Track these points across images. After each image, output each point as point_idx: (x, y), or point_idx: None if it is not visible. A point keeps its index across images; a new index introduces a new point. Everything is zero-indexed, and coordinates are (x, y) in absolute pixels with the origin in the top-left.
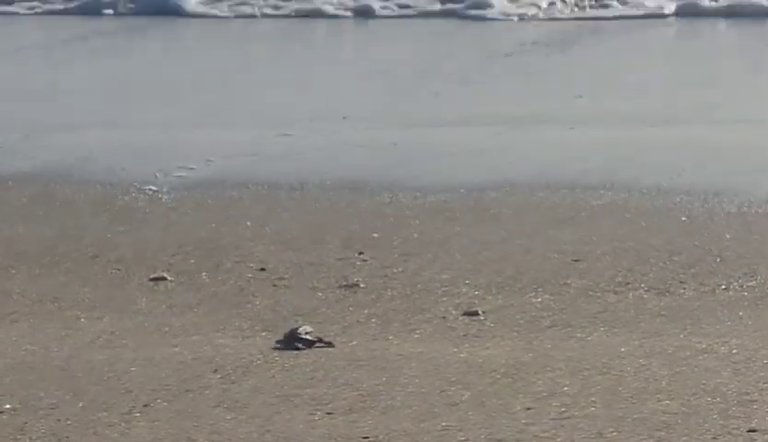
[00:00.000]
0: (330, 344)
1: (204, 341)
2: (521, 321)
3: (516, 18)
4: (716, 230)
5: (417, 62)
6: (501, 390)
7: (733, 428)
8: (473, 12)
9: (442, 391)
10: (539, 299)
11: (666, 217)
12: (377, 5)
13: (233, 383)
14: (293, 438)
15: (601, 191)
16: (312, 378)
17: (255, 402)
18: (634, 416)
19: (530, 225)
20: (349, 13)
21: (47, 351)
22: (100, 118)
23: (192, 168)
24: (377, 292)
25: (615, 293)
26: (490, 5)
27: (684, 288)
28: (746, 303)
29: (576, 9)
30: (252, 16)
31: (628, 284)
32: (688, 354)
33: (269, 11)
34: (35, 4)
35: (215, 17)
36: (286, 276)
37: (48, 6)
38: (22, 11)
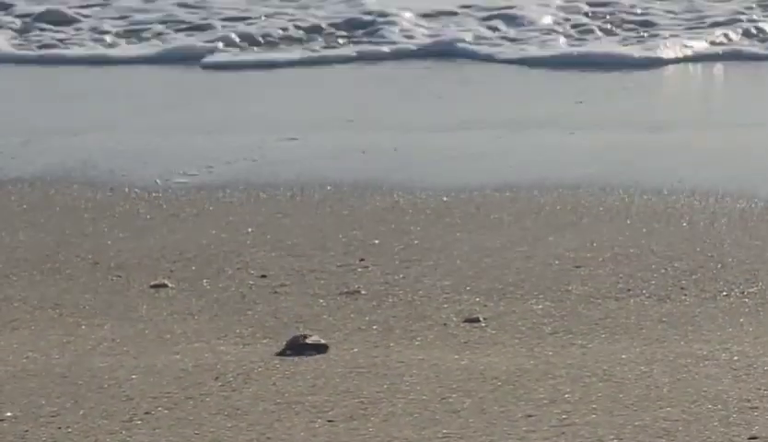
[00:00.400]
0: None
1: (206, 348)
2: (522, 328)
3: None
4: (718, 236)
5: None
6: (502, 398)
7: (734, 435)
8: None
9: (443, 398)
10: (540, 306)
11: (667, 223)
12: None
13: (234, 390)
14: None
15: (602, 197)
16: (313, 386)
17: (256, 410)
18: (636, 423)
19: (531, 231)
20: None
21: (48, 358)
22: (101, 122)
23: (193, 175)
24: (378, 299)
25: (616, 299)
26: None
27: (685, 295)
28: (747, 310)
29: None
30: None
31: (629, 290)
32: (689, 361)
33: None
34: None
35: None
36: (287, 283)
37: None
38: None
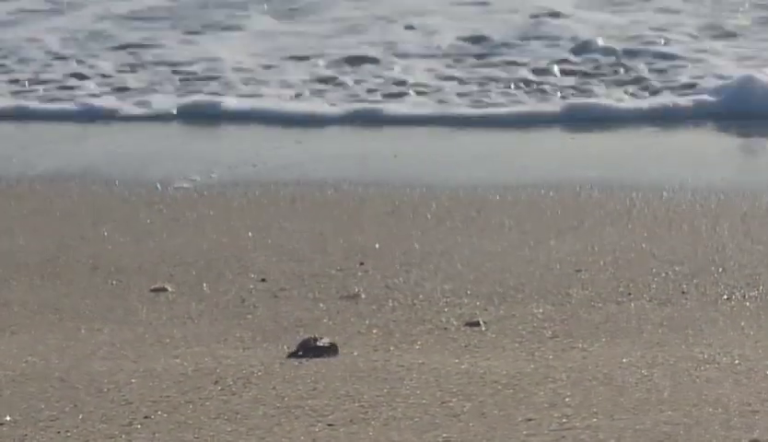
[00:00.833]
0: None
1: (205, 352)
2: (523, 332)
3: None
4: (719, 240)
5: None
6: (502, 401)
7: (735, 439)
8: None
9: (443, 402)
10: (540, 310)
11: (668, 227)
12: None
13: (234, 394)
14: None
15: (603, 201)
16: (313, 390)
17: (256, 414)
18: (636, 427)
19: (532, 235)
20: None
21: (47, 362)
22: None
23: (193, 179)
24: (378, 303)
25: (617, 303)
26: None
27: (686, 298)
28: (748, 313)
29: None
30: None
31: (630, 294)
32: (690, 364)
33: None
34: None
35: None
36: (287, 287)
37: None
38: None
